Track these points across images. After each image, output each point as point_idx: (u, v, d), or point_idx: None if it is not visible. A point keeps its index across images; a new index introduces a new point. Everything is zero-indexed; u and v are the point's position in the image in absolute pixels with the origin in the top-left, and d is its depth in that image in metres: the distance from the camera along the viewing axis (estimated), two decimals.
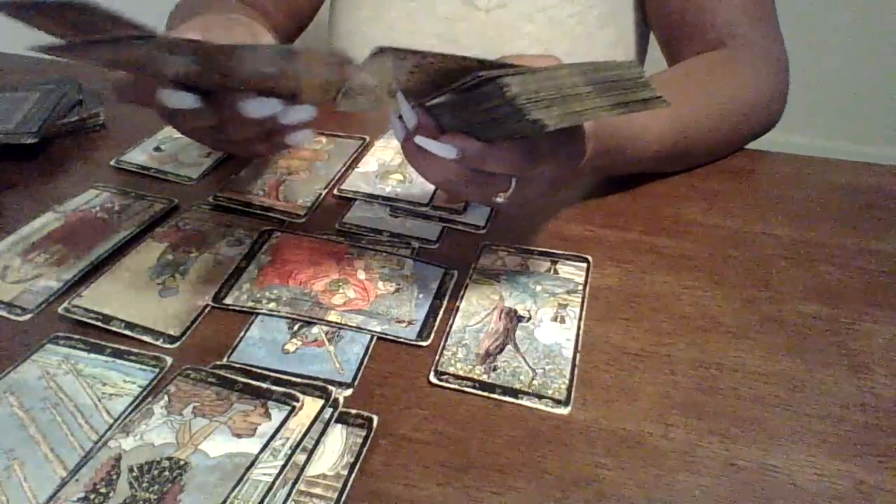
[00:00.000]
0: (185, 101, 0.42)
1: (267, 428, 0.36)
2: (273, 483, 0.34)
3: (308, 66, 0.38)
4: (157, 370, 0.41)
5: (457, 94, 0.37)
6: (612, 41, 0.71)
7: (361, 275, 0.48)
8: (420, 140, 0.40)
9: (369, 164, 0.61)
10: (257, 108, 0.42)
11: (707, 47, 0.63)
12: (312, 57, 0.37)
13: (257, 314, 0.45)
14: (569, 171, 0.45)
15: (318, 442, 0.36)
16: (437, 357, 0.42)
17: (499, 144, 0.39)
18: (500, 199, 0.42)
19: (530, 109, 0.32)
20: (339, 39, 0.78)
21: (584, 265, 0.50)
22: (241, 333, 0.44)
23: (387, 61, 0.36)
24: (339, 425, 0.38)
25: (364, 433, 0.37)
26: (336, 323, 0.44)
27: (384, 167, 0.61)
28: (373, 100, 0.43)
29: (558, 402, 0.39)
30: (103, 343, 0.42)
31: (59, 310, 0.45)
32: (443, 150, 0.39)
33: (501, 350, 0.43)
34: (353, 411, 0.38)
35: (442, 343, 0.43)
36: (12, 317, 0.45)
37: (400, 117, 0.41)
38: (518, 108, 0.32)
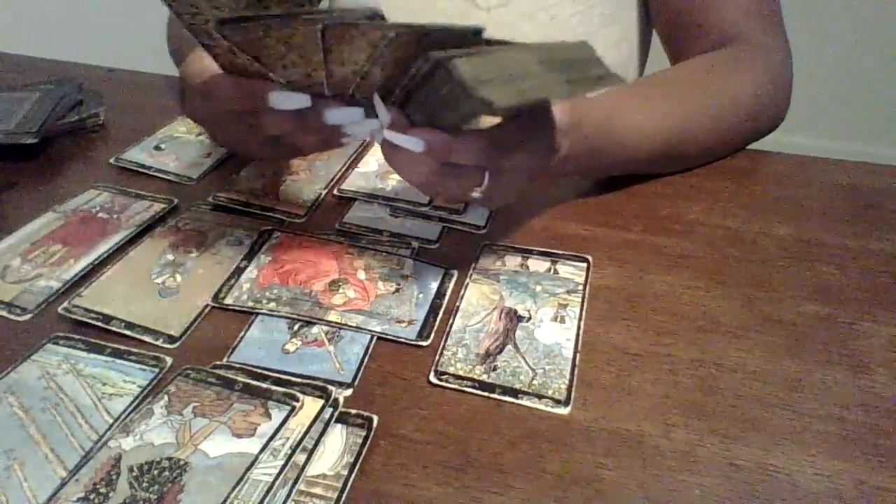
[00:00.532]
0: (300, 100, 0.43)
1: (267, 428, 0.36)
2: (273, 483, 0.34)
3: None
4: (157, 370, 0.41)
5: (414, 81, 0.38)
6: (614, 40, 0.71)
7: (361, 275, 0.48)
8: (388, 134, 0.41)
9: (369, 164, 0.61)
10: (339, 116, 0.43)
11: (710, 46, 0.63)
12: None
13: (257, 314, 0.45)
14: (543, 163, 0.45)
15: (318, 442, 0.36)
16: (437, 357, 0.42)
17: (463, 134, 0.40)
18: (476, 195, 0.42)
19: (478, 88, 0.32)
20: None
21: (584, 265, 0.50)
22: (241, 333, 0.44)
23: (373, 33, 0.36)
24: (339, 425, 0.38)
25: (364, 433, 0.37)
26: (336, 323, 0.44)
27: (384, 167, 0.60)
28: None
29: (558, 402, 0.39)
30: (103, 343, 0.42)
31: (59, 310, 0.45)
32: (410, 142, 0.40)
33: (501, 350, 0.43)
34: (353, 411, 0.38)
35: (442, 343, 0.43)
36: (12, 317, 0.45)
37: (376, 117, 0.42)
38: (467, 87, 0.32)
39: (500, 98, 0.33)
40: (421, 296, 0.47)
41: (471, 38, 0.37)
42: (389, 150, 0.42)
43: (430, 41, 0.36)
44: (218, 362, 0.42)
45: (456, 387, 0.40)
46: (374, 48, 0.37)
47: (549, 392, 0.40)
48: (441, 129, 0.40)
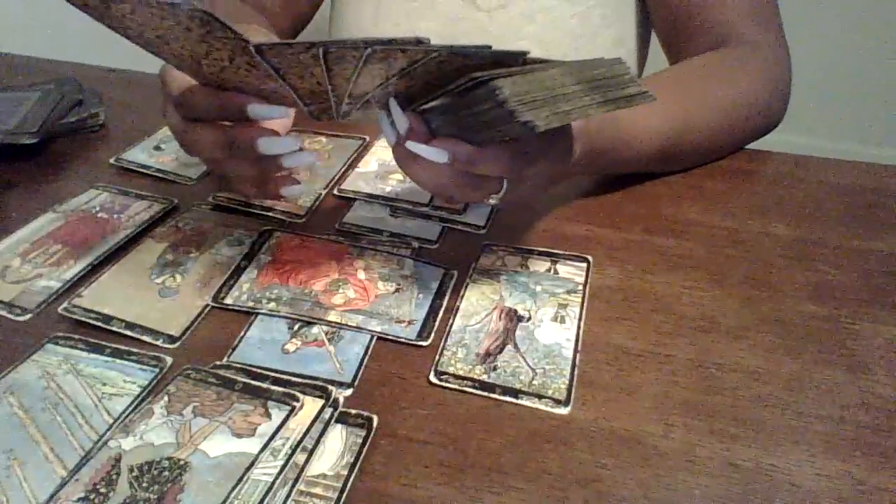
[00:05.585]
0: (280, 112, 0.43)
1: (267, 428, 0.36)
2: (273, 483, 0.34)
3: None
4: (157, 370, 0.41)
5: (449, 97, 0.37)
6: (614, 41, 0.71)
7: (361, 275, 0.48)
8: (411, 145, 0.40)
9: (369, 164, 0.61)
10: (273, 145, 0.44)
11: (708, 46, 0.63)
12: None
13: (257, 314, 0.45)
14: (559, 170, 0.45)
15: (318, 442, 0.36)
16: (437, 357, 0.42)
17: (489, 147, 0.39)
18: (492, 201, 0.42)
19: (522, 111, 0.32)
20: (339, 35, 0.78)
21: (584, 265, 0.50)
22: (241, 333, 0.44)
23: (377, 63, 0.36)
24: (339, 425, 0.38)
25: (364, 433, 0.37)
26: (336, 323, 0.44)
27: (384, 167, 0.60)
28: (367, 108, 0.43)
29: (558, 402, 0.39)
30: (103, 343, 0.42)
31: (59, 310, 0.45)
32: (434, 154, 0.40)
33: (501, 350, 0.43)
34: (353, 411, 0.38)
35: (442, 343, 0.43)
36: (12, 317, 0.45)
37: (391, 122, 0.41)
38: (510, 110, 0.32)
39: (543, 122, 0.33)
40: (421, 296, 0.47)
41: (512, 60, 0.36)
42: (405, 156, 0.41)
43: (470, 62, 0.36)
44: (218, 362, 0.42)
45: (456, 387, 0.40)
46: (411, 65, 0.37)
47: (549, 392, 0.40)
48: (465, 138, 0.39)
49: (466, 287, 0.48)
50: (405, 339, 0.43)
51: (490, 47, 0.34)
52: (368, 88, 0.40)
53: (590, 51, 0.69)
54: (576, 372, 0.41)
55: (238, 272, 0.48)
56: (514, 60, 0.36)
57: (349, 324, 0.44)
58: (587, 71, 0.35)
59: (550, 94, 0.34)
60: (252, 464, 0.34)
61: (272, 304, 0.46)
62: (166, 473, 0.34)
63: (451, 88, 0.36)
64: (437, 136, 0.41)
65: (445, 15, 0.70)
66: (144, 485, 0.34)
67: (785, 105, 0.64)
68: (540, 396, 0.40)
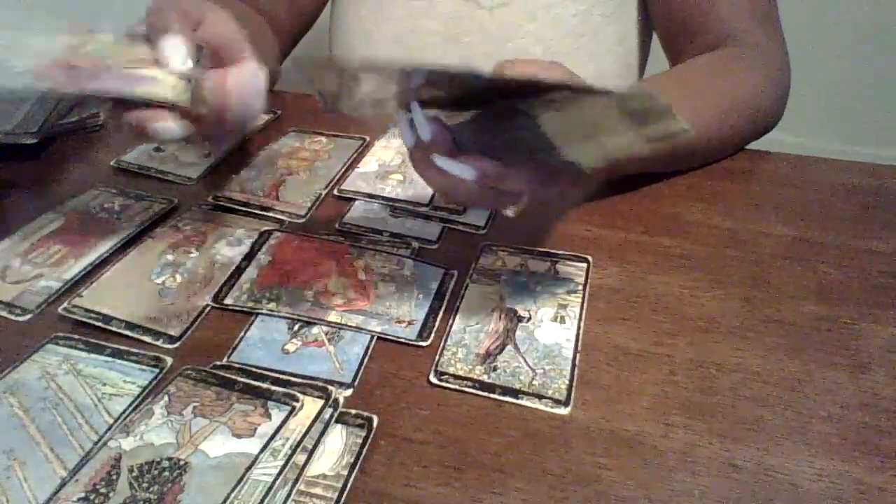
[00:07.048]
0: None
1: (267, 428, 0.36)
2: (273, 483, 0.34)
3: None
4: (157, 370, 0.41)
5: (484, 119, 0.36)
6: (615, 39, 0.71)
7: (361, 275, 0.48)
8: (440, 161, 0.39)
9: (369, 164, 0.61)
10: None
11: (708, 46, 0.63)
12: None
13: (257, 314, 0.45)
14: (580, 183, 0.44)
15: (318, 442, 0.36)
16: (437, 357, 0.42)
17: (518, 167, 0.38)
18: (510, 213, 0.42)
19: (566, 150, 0.32)
20: (340, 36, 0.78)
21: (584, 265, 0.50)
22: (241, 333, 0.44)
23: (392, 77, 0.36)
24: (339, 425, 0.38)
25: (364, 433, 0.37)
26: (336, 323, 0.44)
27: (384, 167, 0.60)
28: (378, 108, 0.42)
29: (558, 402, 0.39)
30: (103, 343, 0.42)
31: (59, 310, 0.45)
32: (463, 171, 0.39)
33: (501, 350, 0.43)
34: (353, 411, 0.38)
35: (442, 343, 0.43)
36: (12, 317, 0.45)
37: (410, 123, 0.40)
38: (553, 146, 0.32)
39: (586, 160, 0.32)
40: (421, 296, 0.47)
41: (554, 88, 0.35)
42: (423, 161, 0.40)
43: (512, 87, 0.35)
44: (218, 362, 0.42)
45: (456, 387, 0.40)
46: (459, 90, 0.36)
47: (549, 392, 0.40)
48: (489, 153, 0.38)
49: (466, 287, 0.48)
50: (405, 339, 0.43)
51: (538, 82, 0.33)
52: (388, 96, 0.39)
53: (591, 50, 0.69)
54: (576, 372, 0.41)
55: (238, 272, 0.48)
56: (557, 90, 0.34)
57: (349, 324, 0.44)
58: (630, 103, 0.34)
59: (594, 129, 0.33)
60: (252, 464, 0.34)
61: (272, 304, 0.46)
62: (166, 474, 0.34)
63: (486, 112, 0.35)
64: (460, 146, 0.39)
65: (447, 13, 0.70)
66: (144, 485, 0.34)
67: (784, 105, 0.64)
68: (540, 397, 0.40)
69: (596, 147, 0.33)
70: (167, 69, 0.43)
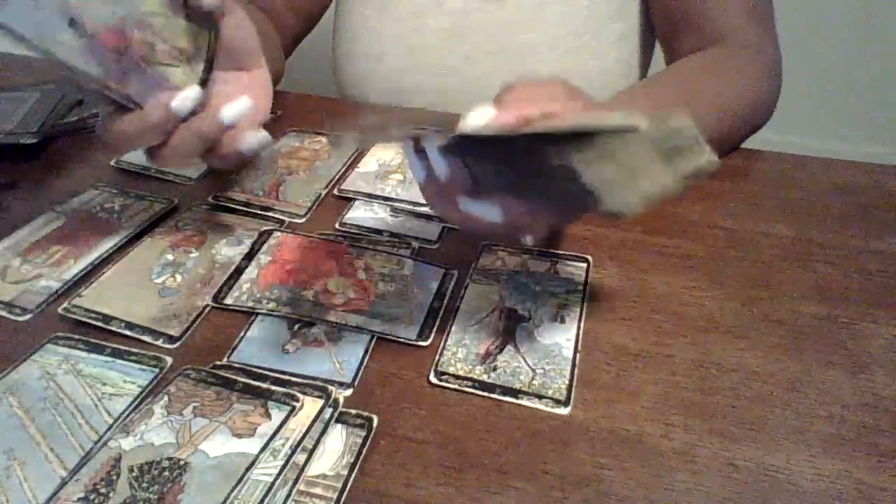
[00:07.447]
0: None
1: (267, 428, 0.36)
2: (273, 483, 0.34)
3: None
4: (157, 370, 0.41)
5: (504, 152, 0.35)
6: (620, 35, 0.71)
7: (361, 275, 0.48)
8: (464, 203, 0.38)
9: (369, 164, 0.61)
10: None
11: (704, 43, 0.64)
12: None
13: (257, 314, 0.45)
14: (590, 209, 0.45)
15: (318, 442, 0.36)
16: (437, 357, 0.42)
17: (543, 208, 0.38)
18: (528, 242, 0.41)
19: (605, 201, 0.32)
20: (344, 34, 0.77)
21: (584, 265, 0.50)
22: (241, 333, 0.44)
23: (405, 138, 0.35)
24: (339, 425, 0.38)
25: (364, 433, 0.37)
26: (336, 323, 0.44)
27: (384, 167, 0.60)
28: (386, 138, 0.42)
29: (558, 402, 0.39)
30: (103, 343, 0.42)
31: (59, 310, 0.45)
32: (488, 214, 0.37)
33: (501, 350, 0.43)
34: (353, 411, 0.38)
35: (442, 343, 0.43)
36: (12, 317, 0.45)
37: (418, 155, 0.38)
38: (594, 197, 0.32)
39: (630, 209, 0.32)
40: (421, 296, 0.47)
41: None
42: (442, 204, 0.39)
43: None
44: (218, 362, 0.42)
45: (456, 387, 0.40)
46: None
47: (549, 392, 0.40)
48: (513, 189, 0.37)
49: (466, 287, 0.48)
50: (405, 339, 0.43)
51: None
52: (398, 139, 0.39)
53: (594, 47, 0.70)
54: (576, 372, 0.41)
55: (238, 272, 0.48)
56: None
57: (349, 324, 0.44)
58: (664, 138, 0.34)
59: (630, 174, 0.32)
60: (252, 464, 0.34)
61: (272, 304, 0.46)
62: (166, 473, 0.34)
63: (519, 160, 0.35)
64: (474, 176, 0.38)
65: (453, 8, 0.70)
66: (144, 485, 0.34)
67: (775, 103, 0.65)
68: (540, 396, 0.40)
69: (635, 193, 0.33)
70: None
